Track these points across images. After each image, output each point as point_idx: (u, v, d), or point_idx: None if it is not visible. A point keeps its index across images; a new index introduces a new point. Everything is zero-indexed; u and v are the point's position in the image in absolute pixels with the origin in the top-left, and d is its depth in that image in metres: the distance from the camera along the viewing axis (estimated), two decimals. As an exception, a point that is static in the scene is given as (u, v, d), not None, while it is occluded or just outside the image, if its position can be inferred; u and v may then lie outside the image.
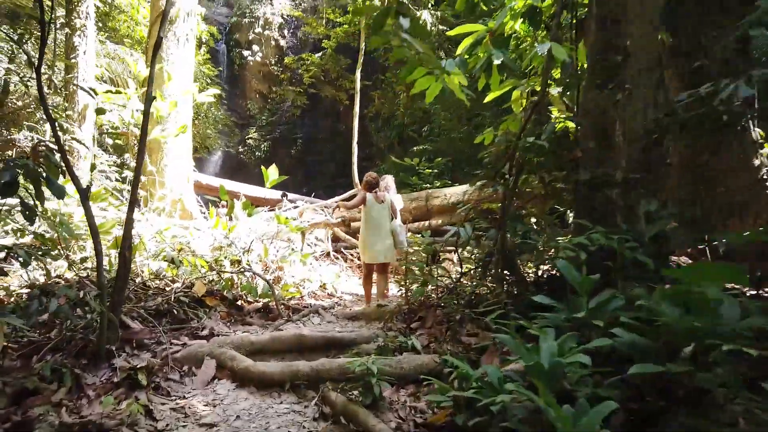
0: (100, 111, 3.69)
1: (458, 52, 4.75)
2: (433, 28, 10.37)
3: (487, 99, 5.39)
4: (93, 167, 3.26)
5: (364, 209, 5.84)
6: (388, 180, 6.47)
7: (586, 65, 3.91)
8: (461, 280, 4.88)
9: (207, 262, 5.43)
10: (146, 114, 3.61)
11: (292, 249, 6.89)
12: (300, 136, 19.89)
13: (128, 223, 3.68)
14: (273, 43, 20.06)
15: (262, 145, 19.59)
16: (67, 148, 6.47)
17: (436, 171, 4.93)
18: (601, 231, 2.99)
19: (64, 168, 3.12)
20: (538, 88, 4.63)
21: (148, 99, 3.60)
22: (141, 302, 4.42)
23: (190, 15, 7.32)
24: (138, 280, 5.23)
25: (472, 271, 4.91)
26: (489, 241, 4.48)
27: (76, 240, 4.45)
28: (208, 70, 12.62)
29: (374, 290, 5.96)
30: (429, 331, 4.39)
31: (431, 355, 3.55)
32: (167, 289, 5.10)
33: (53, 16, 6.89)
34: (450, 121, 13.80)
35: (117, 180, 7.12)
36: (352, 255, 9.56)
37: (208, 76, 12.56)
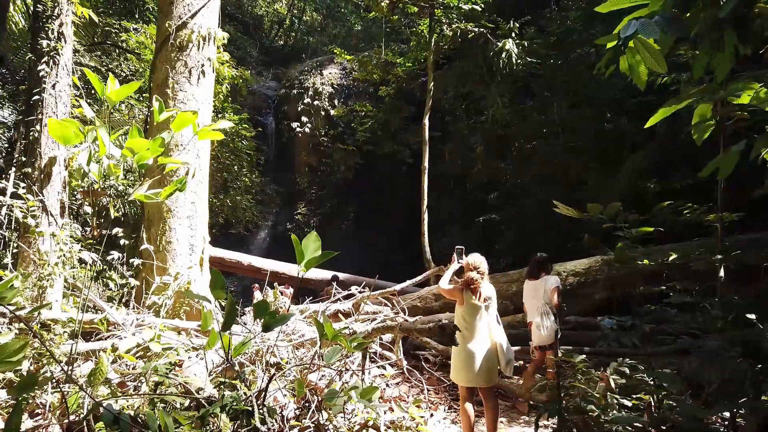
0: None
1: (616, 32, 2.34)
2: (518, 61, 8.25)
3: (652, 121, 2.69)
4: None
5: (459, 309, 4.10)
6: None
7: None
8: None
9: (194, 413, 3.00)
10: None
11: (346, 369, 4.34)
12: (351, 209, 17.99)
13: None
14: (323, 113, 18.81)
15: (312, 221, 17.81)
16: (22, 219, 4.45)
17: (651, 228, 2.42)
18: None
19: None
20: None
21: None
22: None
23: (208, 40, 5.45)
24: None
25: None
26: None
27: None
28: (245, 131, 10.84)
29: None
30: None
31: None
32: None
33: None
34: (532, 179, 11.34)
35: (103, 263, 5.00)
36: (428, 359, 6.84)
37: (245, 137, 10.76)
